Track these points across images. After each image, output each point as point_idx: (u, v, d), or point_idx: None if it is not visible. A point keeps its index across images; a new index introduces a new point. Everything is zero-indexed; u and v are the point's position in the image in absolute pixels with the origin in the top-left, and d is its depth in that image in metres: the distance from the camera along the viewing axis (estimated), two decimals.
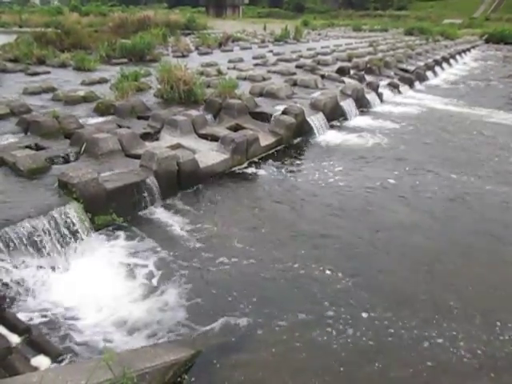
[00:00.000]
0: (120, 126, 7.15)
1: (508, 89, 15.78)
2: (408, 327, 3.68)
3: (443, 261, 4.70)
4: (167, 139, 7.12)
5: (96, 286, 4.02)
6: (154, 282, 4.18)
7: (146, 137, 7.07)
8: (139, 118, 7.98)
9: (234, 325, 3.66)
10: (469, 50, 29.24)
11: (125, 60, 13.65)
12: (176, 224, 5.21)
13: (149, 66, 12.53)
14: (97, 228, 4.83)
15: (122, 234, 4.91)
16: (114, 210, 5.01)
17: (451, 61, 22.25)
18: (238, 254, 4.67)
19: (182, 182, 6.01)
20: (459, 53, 25.46)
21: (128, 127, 7.11)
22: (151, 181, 5.50)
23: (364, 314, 3.83)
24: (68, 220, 4.48)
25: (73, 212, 4.55)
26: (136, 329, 3.58)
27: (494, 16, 56.75)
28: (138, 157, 5.97)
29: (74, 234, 4.52)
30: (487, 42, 37.01)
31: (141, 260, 4.49)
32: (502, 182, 6.85)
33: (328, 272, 4.40)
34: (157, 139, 7.21)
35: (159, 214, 5.43)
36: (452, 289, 4.22)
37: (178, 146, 6.72)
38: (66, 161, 5.94)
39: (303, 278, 4.31)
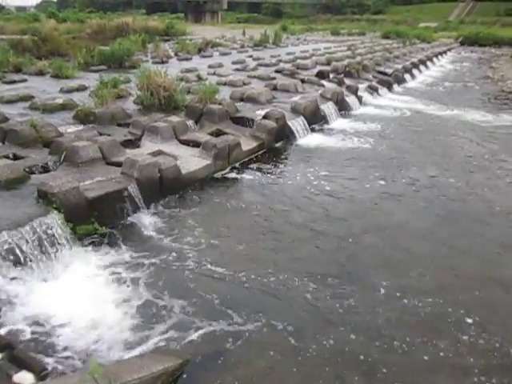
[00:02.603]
0: (100, 134, 7.08)
1: (483, 90, 16.14)
2: None
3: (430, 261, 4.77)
4: (148, 146, 7.07)
5: (79, 297, 3.95)
6: (139, 290, 4.13)
7: (126, 144, 7.01)
8: (119, 125, 7.91)
9: (220, 332, 3.63)
10: (445, 52, 29.83)
11: (104, 67, 13.53)
12: (159, 232, 5.17)
13: (128, 72, 12.44)
14: (78, 238, 4.75)
15: (104, 243, 4.84)
16: (95, 219, 4.94)
17: (428, 63, 22.66)
18: (224, 261, 4.63)
19: (164, 188, 5.97)
20: (436, 55, 25.96)
21: (108, 135, 7.04)
22: (133, 188, 5.44)
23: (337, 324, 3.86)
24: (48, 230, 4.40)
25: (53, 222, 4.48)
26: (121, 340, 3.52)
27: (468, 19, 58.08)
28: (119, 164, 5.91)
29: (55, 244, 4.43)
30: (462, 44, 37.84)
31: (124, 269, 4.42)
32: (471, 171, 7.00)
33: (310, 282, 4.39)
34: (138, 146, 7.15)
35: (142, 221, 5.37)
36: None
37: (159, 153, 6.68)
38: (46, 170, 5.84)
39: (286, 286, 4.26)
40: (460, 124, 10.75)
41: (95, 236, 4.91)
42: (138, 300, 4.00)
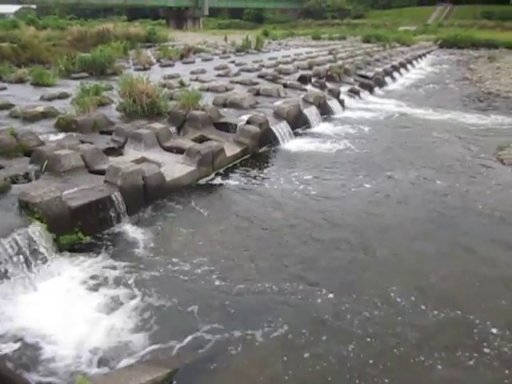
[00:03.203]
0: (82, 142, 7.01)
1: (463, 91, 16.43)
2: None
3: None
4: (132, 153, 7.03)
5: (62, 309, 3.90)
6: (122, 300, 4.08)
7: (109, 152, 6.96)
8: (102, 132, 7.85)
9: (205, 340, 3.62)
10: (424, 55, 30.29)
11: (85, 74, 13.42)
12: (143, 240, 5.14)
13: (110, 79, 12.36)
14: (62, 248, 4.70)
15: (88, 252, 4.80)
16: (79, 229, 4.90)
17: (408, 66, 22.99)
18: (207, 269, 4.60)
19: (148, 196, 5.94)
20: (415, 58, 26.35)
21: (91, 142, 6.99)
22: (117, 196, 5.41)
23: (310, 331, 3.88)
24: (31, 241, 4.34)
25: (36, 233, 4.42)
26: (104, 352, 3.48)
27: (446, 22, 59.04)
28: (102, 172, 5.86)
29: (38, 255, 4.38)
30: (441, 46, 38.43)
31: (108, 279, 4.38)
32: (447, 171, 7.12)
33: (293, 289, 4.41)
34: (121, 154, 7.11)
35: (126, 230, 5.34)
36: None
37: (142, 160, 6.65)
38: (27, 179, 5.77)
39: (268, 293, 4.25)
40: (441, 125, 10.92)
41: (79, 245, 4.85)
42: (121, 312, 3.94)
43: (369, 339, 3.64)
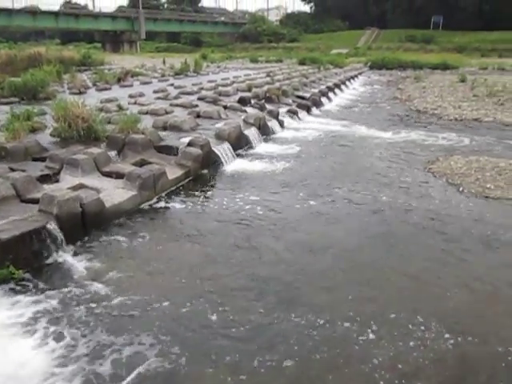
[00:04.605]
0: (13, 170, 6.64)
1: (394, 110, 17.35)
2: None
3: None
4: (68, 180, 6.74)
5: None
6: (57, 340, 3.80)
7: (44, 179, 6.64)
8: (35, 159, 7.48)
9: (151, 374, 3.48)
10: (356, 76, 31.84)
11: (15, 99, 12.80)
12: (83, 271, 4.88)
13: (43, 104, 11.86)
14: None
15: (21, 288, 4.48)
16: (11, 263, 4.57)
17: (342, 87, 24.03)
18: (150, 299, 4.43)
19: (87, 224, 5.69)
20: (348, 79, 27.62)
21: (23, 170, 6.63)
22: (52, 226, 5.13)
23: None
24: None
25: None
26: None
27: (374, 45, 62.74)
28: (36, 201, 5.56)
29: None
30: (371, 68, 40.61)
31: (44, 316, 4.09)
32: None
33: (235, 313, 4.38)
34: (56, 181, 6.79)
35: (65, 260, 5.06)
36: None
37: (80, 187, 6.38)
38: None
39: (208, 318, 4.16)
40: (375, 142, 11.43)
41: (12, 281, 4.53)
42: (53, 351, 3.67)
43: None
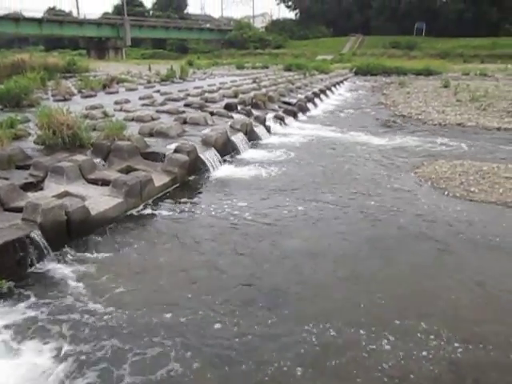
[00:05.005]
0: None
1: (379, 115, 17.51)
2: None
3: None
4: (53, 188, 6.65)
5: None
6: (44, 352, 3.74)
7: (28, 187, 6.54)
8: (18, 167, 7.37)
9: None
10: (342, 82, 32.09)
11: None
12: (68, 279, 4.82)
13: (26, 111, 11.72)
14: None
15: (6, 298, 4.40)
16: None
17: (328, 92, 24.20)
18: (137, 308, 4.39)
19: (72, 232, 5.62)
20: (334, 85, 27.83)
21: (6, 178, 6.52)
22: (36, 235, 5.05)
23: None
24: None
25: None
26: None
27: (359, 51, 63.40)
28: (20, 210, 5.47)
29: None
30: (356, 74, 40.97)
31: (29, 325, 4.03)
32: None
33: (220, 325, 4.34)
34: (41, 189, 6.70)
35: (50, 269, 4.99)
36: None
37: (65, 194, 6.31)
38: None
39: (193, 329, 4.12)
40: (361, 147, 11.50)
41: None
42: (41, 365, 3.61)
43: None
